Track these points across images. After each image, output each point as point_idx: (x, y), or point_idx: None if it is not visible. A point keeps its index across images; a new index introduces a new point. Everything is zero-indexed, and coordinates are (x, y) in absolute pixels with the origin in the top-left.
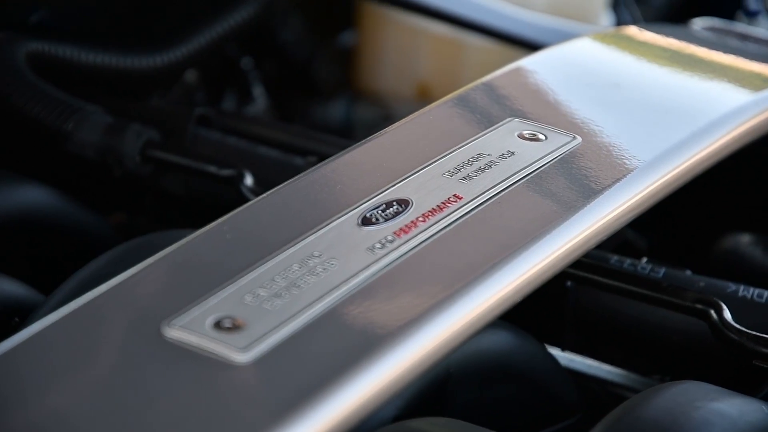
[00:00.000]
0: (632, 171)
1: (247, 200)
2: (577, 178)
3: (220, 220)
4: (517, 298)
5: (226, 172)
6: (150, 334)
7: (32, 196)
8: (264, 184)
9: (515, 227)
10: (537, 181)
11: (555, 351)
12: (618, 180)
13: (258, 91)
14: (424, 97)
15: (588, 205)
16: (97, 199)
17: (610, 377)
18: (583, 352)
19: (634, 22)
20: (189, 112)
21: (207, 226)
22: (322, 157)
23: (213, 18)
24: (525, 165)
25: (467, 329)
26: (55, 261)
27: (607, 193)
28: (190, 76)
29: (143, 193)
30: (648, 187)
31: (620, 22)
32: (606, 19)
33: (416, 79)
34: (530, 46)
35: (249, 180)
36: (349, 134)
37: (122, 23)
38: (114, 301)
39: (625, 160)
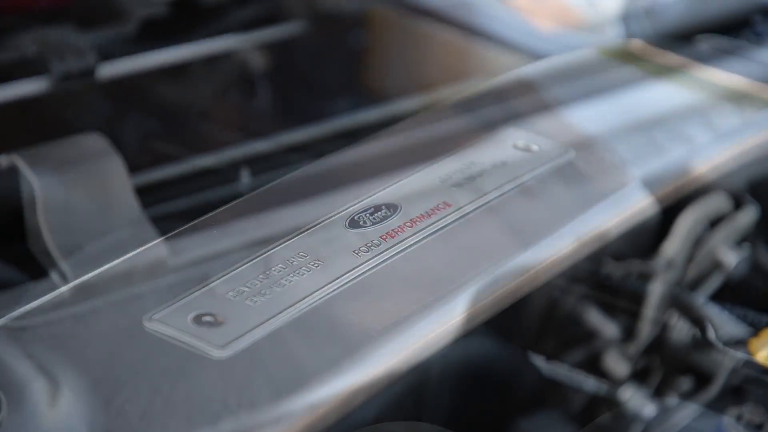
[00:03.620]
0: (622, 187)
1: (240, 196)
2: (566, 191)
3: (208, 216)
4: (500, 307)
5: (221, 167)
6: (132, 325)
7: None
8: (260, 181)
9: (500, 237)
10: (526, 192)
11: (538, 360)
12: (606, 195)
13: (263, 87)
14: (429, 100)
15: (575, 219)
16: None
17: (591, 387)
18: (564, 361)
19: (643, 36)
20: (191, 106)
21: (196, 221)
22: (320, 156)
23: (221, 12)
24: (515, 176)
25: (447, 336)
26: None
27: (595, 207)
28: (196, 69)
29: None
30: (636, 204)
31: (629, 34)
32: (613, 30)
33: (422, 82)
34: (536, 55)
35: (245, 176)
36: (353, 134)
37: None
38: (100, 289)
39: (616, 176)
